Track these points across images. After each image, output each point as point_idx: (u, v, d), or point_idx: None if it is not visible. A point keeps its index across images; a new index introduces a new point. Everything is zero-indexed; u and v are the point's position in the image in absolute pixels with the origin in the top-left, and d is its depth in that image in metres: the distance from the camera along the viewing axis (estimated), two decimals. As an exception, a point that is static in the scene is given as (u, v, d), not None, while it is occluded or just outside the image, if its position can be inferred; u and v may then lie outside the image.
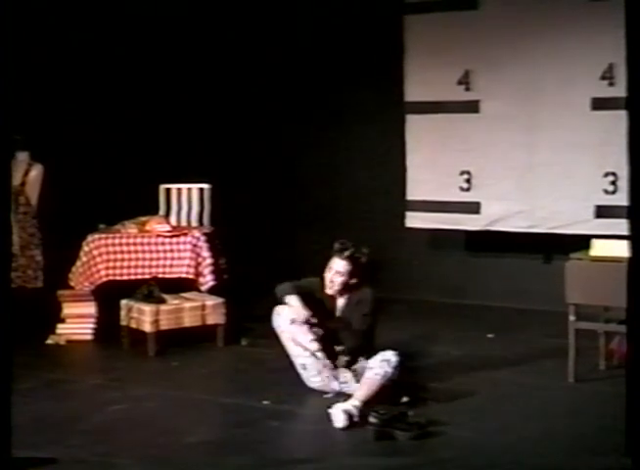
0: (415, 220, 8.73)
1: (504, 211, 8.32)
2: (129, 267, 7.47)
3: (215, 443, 5.19)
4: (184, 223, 8.09)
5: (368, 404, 5.42)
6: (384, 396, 5.57)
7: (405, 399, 5.66)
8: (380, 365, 5.61)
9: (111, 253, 7.45)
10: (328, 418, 5.34)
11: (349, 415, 5.32)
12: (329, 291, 6.00)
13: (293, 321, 5.89)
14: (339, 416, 5.31)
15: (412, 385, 5.95)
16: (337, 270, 5.96)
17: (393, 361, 5.64)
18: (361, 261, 5.99)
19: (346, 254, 5.95)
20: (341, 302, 6.04)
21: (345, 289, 6.00)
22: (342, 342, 5.90)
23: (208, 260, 7.51)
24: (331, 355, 5.93)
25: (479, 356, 6.90)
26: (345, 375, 5.87)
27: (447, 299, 8.76)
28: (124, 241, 7.50)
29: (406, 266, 9.06)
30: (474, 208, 8.44)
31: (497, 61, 8.24)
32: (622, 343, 6.01)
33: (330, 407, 5.39)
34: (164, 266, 7.50)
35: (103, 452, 4.98)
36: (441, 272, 8.95)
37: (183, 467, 4.89)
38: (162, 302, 7.29)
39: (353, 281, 5.98)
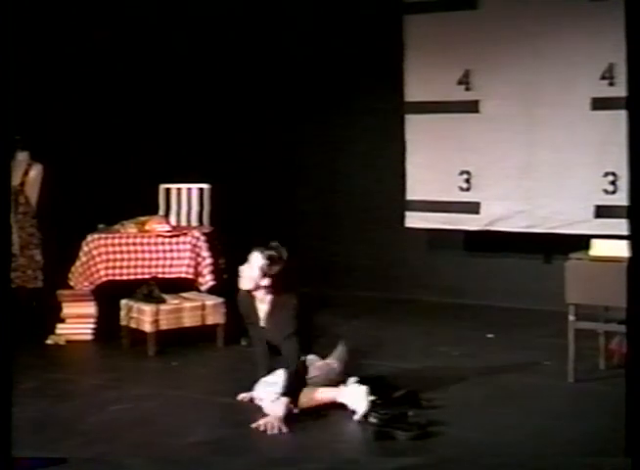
0: (415, 220, 8.73)
1: (504, 210, 8.32)
2: (129, 267, 7.46)
3: (215, 443, 5.18)
4: (184, 223, 8.10)
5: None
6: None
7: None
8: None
9: (110, 253, 7.44)
10: (327, 418, 5.36)
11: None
12: (241, 284, 5.81)
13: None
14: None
15: (411, 384, 5.96)
16: (253, 264, 5.73)
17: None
18: (279, 263, 5.76)
19: (267, 252, 5.77)
20: (263, 308, 5.82)
21: (261, 289, 5.78)
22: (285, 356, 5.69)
23: (208, 260, 7.50)
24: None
25: (478, 356, 6.90)
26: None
27: (447, 299, 8.75)
28: (124, 241, 7.49)
29: (406, 266, 9.06)
30: (474, 208, 8.44)
31: (497, 61, 8.25)
32: (622, 343, 6.01)
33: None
34: (164, 266, 7.49)
35: (103, 452, 4.98)
36: (441, 272, 8.95)
37: (183, 467, 4.89)
38: (162, 301, 7.29)
39: (264, 282, 5.73)
